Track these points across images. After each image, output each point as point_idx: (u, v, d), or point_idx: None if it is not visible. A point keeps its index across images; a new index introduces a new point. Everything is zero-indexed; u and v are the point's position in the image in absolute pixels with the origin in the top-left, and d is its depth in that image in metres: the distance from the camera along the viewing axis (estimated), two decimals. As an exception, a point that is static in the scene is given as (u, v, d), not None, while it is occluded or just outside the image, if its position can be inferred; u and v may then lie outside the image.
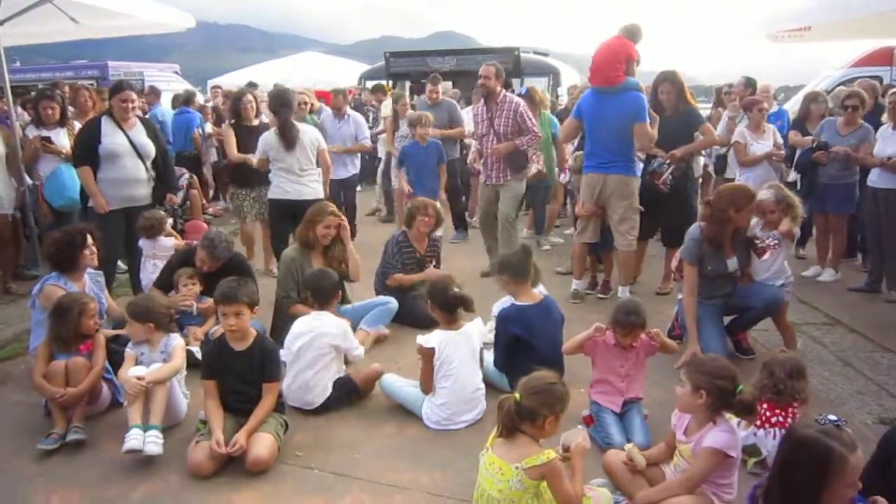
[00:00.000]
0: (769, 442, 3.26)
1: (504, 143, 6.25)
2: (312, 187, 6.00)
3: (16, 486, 3.23)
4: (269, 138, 5.91)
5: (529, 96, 7.46)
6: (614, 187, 5.65)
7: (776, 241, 4.66)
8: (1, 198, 6.14)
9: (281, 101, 5.96)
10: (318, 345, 3.92)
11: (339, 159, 7.61)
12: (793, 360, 3.46)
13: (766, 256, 4.67)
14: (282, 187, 5.94)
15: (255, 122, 6.63)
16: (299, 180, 5.92)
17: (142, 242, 5.56)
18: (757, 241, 4.69)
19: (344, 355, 4.13)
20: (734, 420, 3.40)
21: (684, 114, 5.86)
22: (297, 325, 4.03)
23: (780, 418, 3.31)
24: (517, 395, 2.75)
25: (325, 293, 4.17)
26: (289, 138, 5.82)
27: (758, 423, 3.34)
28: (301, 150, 5.90)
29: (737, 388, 2.76)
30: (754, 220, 4.71)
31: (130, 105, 5.27)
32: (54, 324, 3.82)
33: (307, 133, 6.04)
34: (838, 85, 9.26)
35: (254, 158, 6.11)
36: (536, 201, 8.00)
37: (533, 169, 7.05)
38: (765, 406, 3.35)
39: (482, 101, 6.53)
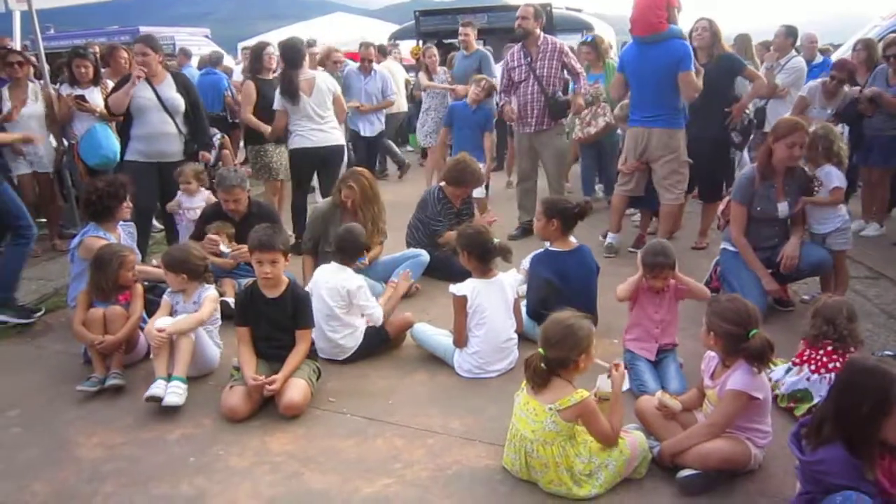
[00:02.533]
0: (823, 388, 3.16)
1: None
2: (333, 133, 6.00)
3: (58, 428, 3.33)
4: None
5: (595, 44, 7.20)
6: (658, 141, 5.48)
7: (819, 183, 4.49)
8: (42, 156, 6.22)
9: (287, 54, 5.89)
10: (334, 298, 3.88)
11: (365, 116, 7.52)
12: (846, 304, 3.38)
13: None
14: (302, 135, 5.89)
15: (271, 77, 6.52)
16: (320, 126, 5.90)
17: (182, 197, 5.57)
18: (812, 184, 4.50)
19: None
20: (784, 365, 3.34)
21: (721, 59, 5.64)
22: (318, 274, 4.04)
23: (838, 364, 3.21)
24: (541, 350, 2.72)
25: (349, 250, 4.09)
26: (289, 92, 5.78)
27: (812, 367, 3.26)
28: (317, 96, 5.85)
29: (748, 333, 2.68)
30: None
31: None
32: (94, 274, 3.88)
33: (323, 80, 6.01)
34: (889, 33, 8.83)
35: (264, 126, 6.11)
36: (605, 157, 7.45)
37: (601, 122, 6.86)
38: (821, 352, 3.27)
39: (518, 45, 6.31)
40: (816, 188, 4.49)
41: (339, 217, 4.94)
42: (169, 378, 3.46)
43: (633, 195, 5.86)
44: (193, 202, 5.48)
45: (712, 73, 5.60)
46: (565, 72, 6.24)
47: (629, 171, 5.72)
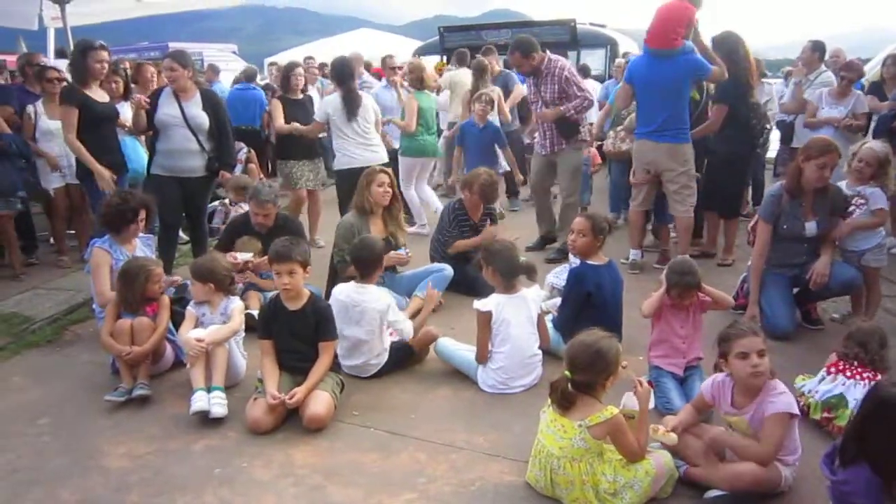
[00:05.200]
0: (858, 391, 3.14)
1: (551, 110, 6.02)
2: (378, 152, 6.15)
3: (86, 438, 3.37)
4: (333, 104, 6.05)
5: None
6: (666, 156, 5.46)
7: (862, 201, 4.37)
8: (74, 169, 6.33)
9: (344, 71, 6.10)
10: (365, 320, 3.85)
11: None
12: (879, 329, 3.40)
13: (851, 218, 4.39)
14: (349, 154, 6.05)
15: (300, 96, 6.74)
16: (366, 146, 6.06)
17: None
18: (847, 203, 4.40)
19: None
20: (818, 375, 3.36)
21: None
22: (339, 294, 3.94)
23: (871, 374, 3.23)
24: (568, 373, 2.71)
25: (369, 264, 4.02)
26: (352, 107, 5.98)
27: (848, 373, 3.25)
28: (364, 115, 6.05)
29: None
30: (844, 183, 4.48)
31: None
32: (121, 288, 3.93)
33: (367, 100, 6.22)
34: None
35: (299, 126, 6.29)
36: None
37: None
38: (855, 362, 3.28)
39: None
40: (856, 206, 4.39)
41: (368, 224, 4.97)
42: (209, 389, 3.50)
43: (644, 209, 5.85)
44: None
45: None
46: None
47: (638, 183, 5.72)
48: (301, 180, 6.68)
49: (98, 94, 5.10)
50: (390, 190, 5.02)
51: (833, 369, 3.33)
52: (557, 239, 6.31)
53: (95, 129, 5.01)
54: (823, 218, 4.34)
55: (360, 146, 6.04)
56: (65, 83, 5.76)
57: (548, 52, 6.16)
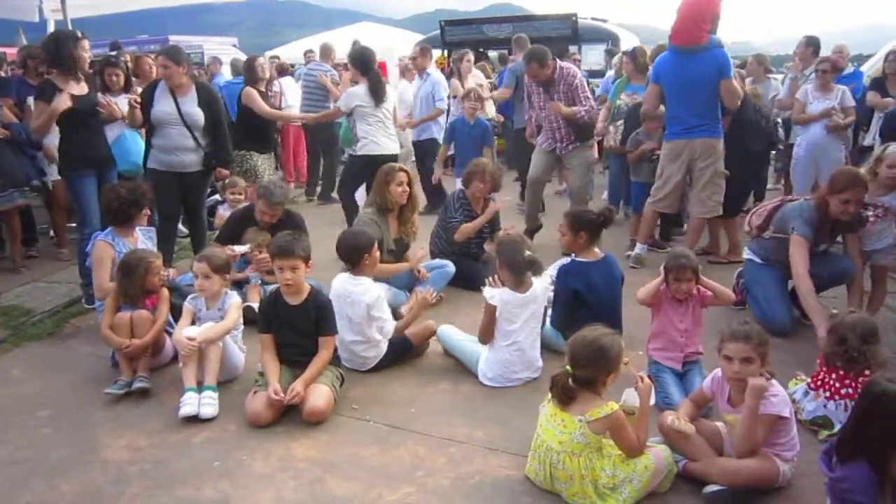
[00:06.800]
0: (840, 415, 3.12)
1: (566, 107, 5.92)
2: (396, 141, 6.38)
3: (86, 430, 3.38)
4: (358, 93, 6.14)
5: (634, 55, 7.02)
6: (700, 151, 5.38)
7: (881, 211, 4.26)
8: None
9: (367, 59, 6.21)
10: (354, 311, 3.85)
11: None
12: (864, 322, 3.20)
13: (869, 227, 4.32)
14: (376, 142, 6.15)
15: (263, 87, 6.78)
16: (389, 135, 6.23)
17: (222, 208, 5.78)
18: (863, 212, 4.28)
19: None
20: (802, 385, 3.32)
21: None
22: (336, 285, 3.94)
23: (850, 389, 3.12)
24: (569, 368, 2.71)
25: (352, 253, 3.97)
26: (380, 93, 6.12)
27: (827, 394, 3.20)
28: (388, 105, 6.23)
29: None
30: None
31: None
32: (121, 280, 3.93)
33: (389, 88, 6.41)
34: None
35: (310, 114, 6.59)
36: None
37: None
38: (833, 376, 3.19)
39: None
40: (877, 216, 4.30)
41: (388, 223, 4.98)
42: (200, 388, 3.50)
43: (667, 212, 5.82)
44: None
45: None
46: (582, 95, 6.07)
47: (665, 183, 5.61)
48: (265, 176, 6.47)
49: (75, 88, 4.87)
50: (408, 189, 5.02)
51: (813, 384, 3.29)
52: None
53: (74, 122, 4.93)
54: (834, 237, 4.39)
55: (386, 135, 6.19)
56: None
57: (557, 60, 6.08)
